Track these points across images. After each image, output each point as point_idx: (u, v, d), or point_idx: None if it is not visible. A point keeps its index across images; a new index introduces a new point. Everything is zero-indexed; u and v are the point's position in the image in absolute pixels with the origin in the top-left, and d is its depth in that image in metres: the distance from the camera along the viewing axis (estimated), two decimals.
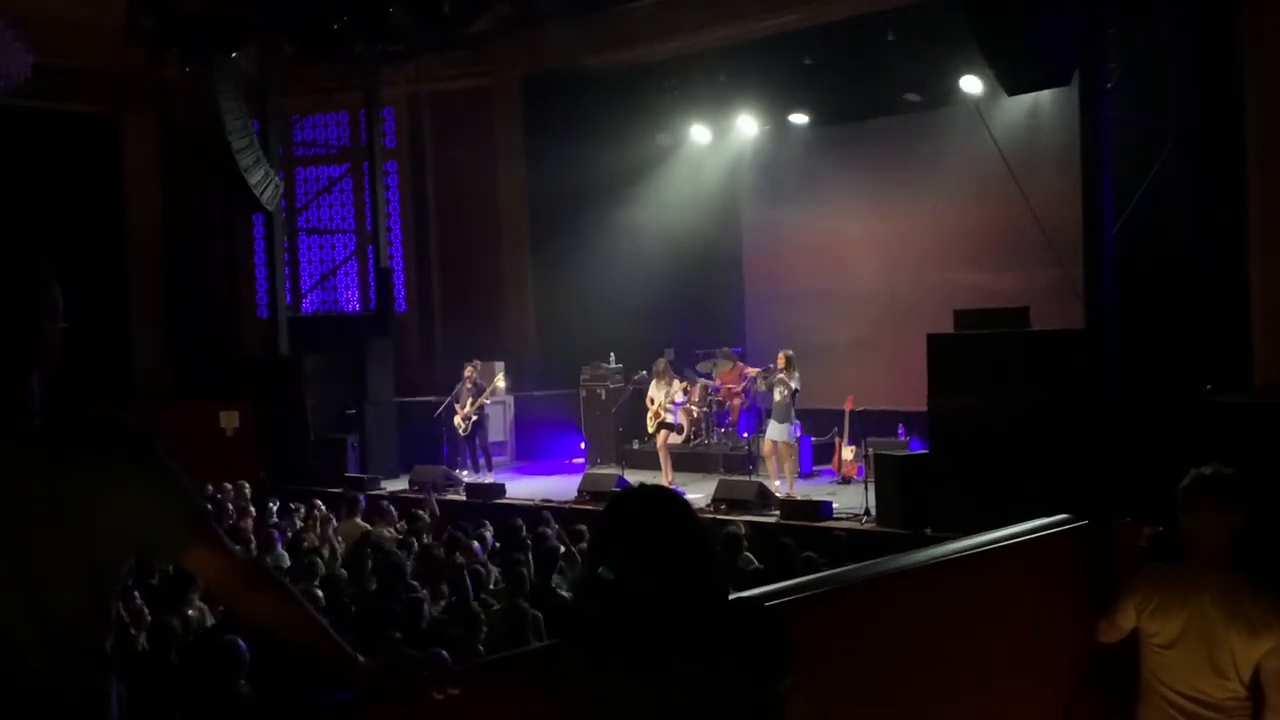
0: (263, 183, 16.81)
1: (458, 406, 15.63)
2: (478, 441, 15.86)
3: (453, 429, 15.84)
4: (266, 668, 5.77)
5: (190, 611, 7.57)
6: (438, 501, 13.26)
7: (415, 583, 8.26)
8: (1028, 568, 3.94)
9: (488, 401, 15.91)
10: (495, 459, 16.20)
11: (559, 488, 14.37)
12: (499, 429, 16.89)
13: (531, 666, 2.73)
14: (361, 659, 2.45)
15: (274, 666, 5.76)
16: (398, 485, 15.47)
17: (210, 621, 7.43)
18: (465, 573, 8.22)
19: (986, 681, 3.68)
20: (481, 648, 6.61)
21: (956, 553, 3.77)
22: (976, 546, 3.85)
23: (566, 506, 12.90)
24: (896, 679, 3.41)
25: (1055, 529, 4.06)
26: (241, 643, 5.68)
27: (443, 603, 7.96)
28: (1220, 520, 3.52)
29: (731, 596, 2.71)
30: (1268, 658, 3.46)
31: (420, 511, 12.04)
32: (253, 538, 10.08)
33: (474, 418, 15.67)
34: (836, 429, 14.30)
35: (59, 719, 2.20)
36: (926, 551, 3.80)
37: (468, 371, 15.78)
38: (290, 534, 10.79)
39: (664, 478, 14.13)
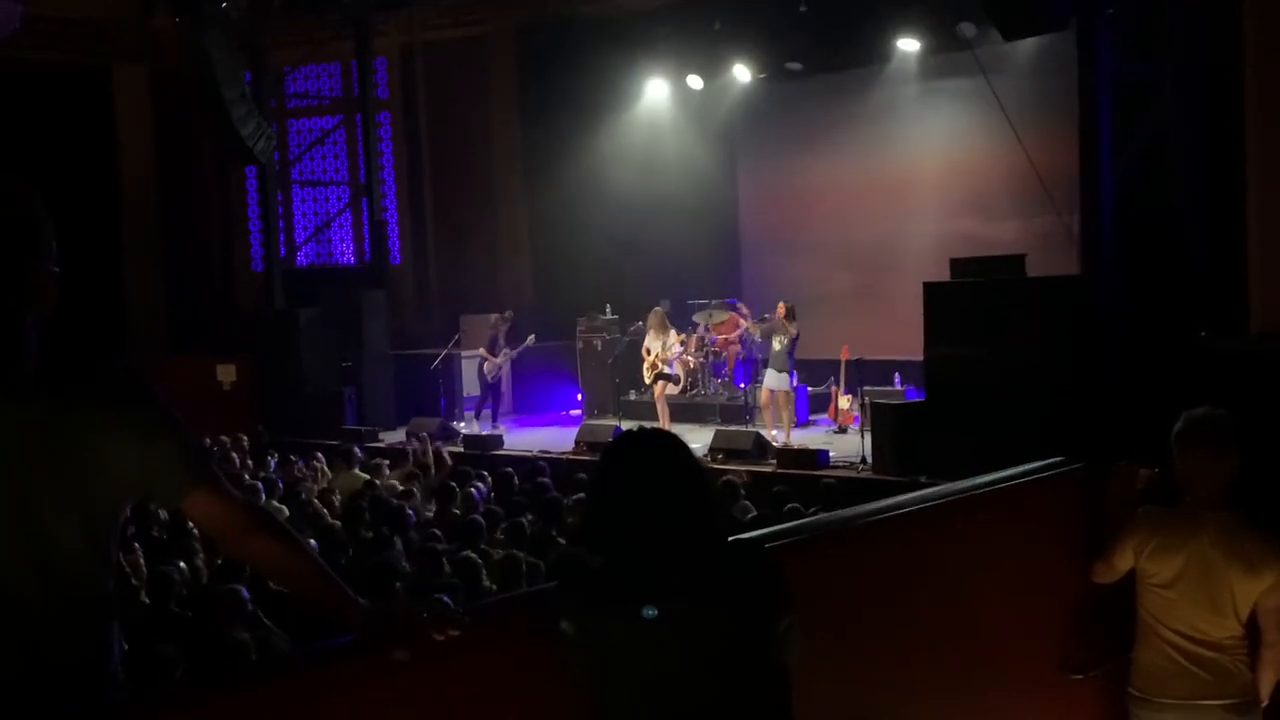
0: (255, 134, 16.68)
1: (484, 353, 15.84)
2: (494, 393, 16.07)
3: (450, 379, 15.96)
4: (267, 614, 5.80)
5: (190, 562, 7.59)
6: (435, 452, 13.25)
7: (416, 534, 8.30)
8: (1023, 511, 3.93)
9: (514, 353, 16.07)
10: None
11: (556, 439, 14.39)
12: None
13: (532, 609, 2.74)
14: (363, 601, 2.46)
15: (274, 612, 5.79)
16: (395, 437, 15.49)
17: (209, 571, 7.46)
18: (463, 523, 8.25)
19: (981, 624, 3.69)
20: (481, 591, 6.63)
21: (951, 495, 3.78)
22: (971, 489, 3.85)
23: (564, 458, 12.94)
24: (891, 622, 3.42)
25: (1050, 472, 4.07)
26: (244, 591, 5.70)
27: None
28: (1214, 460, 3.54)
29: (730, 539, 2.72)
30: (1266, 595, 3.49)
31: (425, 460, 12.11)
32: (255, 486, 10.09)
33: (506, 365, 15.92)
34: (833, 378, 14.31)
35: (60, 667, 2.20)
36: (921, 494, 3.81)
37: (494, 320, 15.93)
38: (287, 485, 10.79)
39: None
